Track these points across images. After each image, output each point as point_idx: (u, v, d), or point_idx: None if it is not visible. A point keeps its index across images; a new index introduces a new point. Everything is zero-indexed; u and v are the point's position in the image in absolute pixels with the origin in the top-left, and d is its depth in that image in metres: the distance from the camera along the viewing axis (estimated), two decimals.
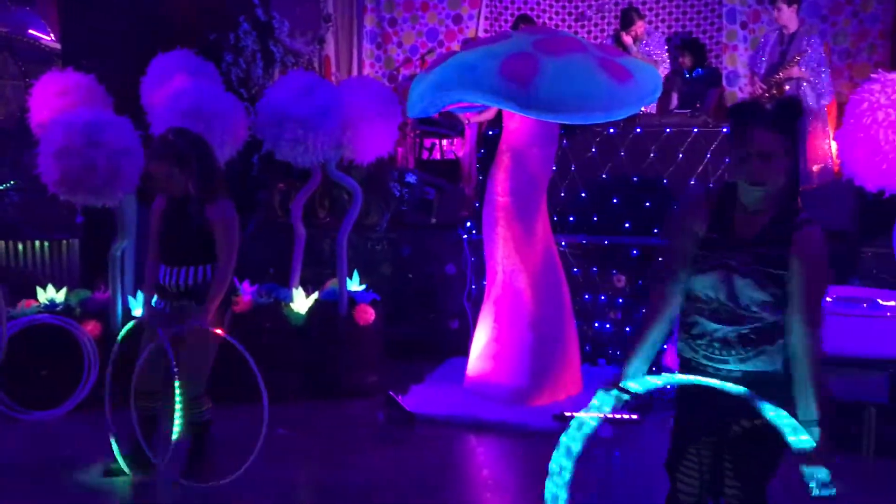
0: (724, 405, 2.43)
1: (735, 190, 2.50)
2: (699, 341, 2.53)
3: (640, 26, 7.56)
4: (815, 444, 2.28)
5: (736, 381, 2.43)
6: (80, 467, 4.21)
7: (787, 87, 6.32)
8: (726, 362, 2.50)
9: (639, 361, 2.57)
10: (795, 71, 6.31)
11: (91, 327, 5.02)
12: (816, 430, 2.34)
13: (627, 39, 7.48)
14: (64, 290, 5.26)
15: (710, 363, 2.52)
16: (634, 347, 2.57)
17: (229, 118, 4.92)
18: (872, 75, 4.16)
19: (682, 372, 2.63)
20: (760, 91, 6.42)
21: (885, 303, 3.89)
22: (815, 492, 2.28)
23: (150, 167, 3.80)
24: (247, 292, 5.38)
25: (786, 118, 2.44)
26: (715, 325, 2.49)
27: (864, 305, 3.87)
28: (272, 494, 3.96)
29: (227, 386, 4.17)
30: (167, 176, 3.68)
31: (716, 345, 2.50)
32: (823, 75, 6.37)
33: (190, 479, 3.91)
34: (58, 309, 5.11)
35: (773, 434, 2.32)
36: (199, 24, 6.95)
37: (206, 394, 3.95)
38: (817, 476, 2.28)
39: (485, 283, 5.45)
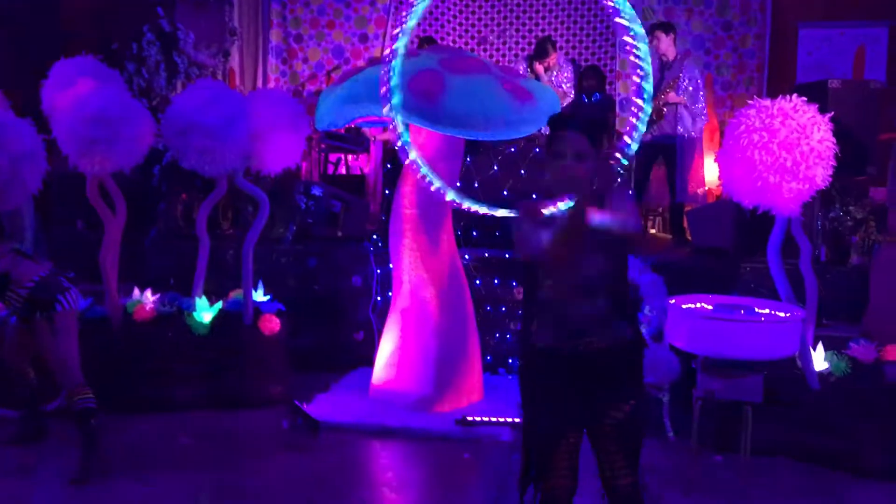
0: (589, 398, 2.64)
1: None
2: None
3: (553, 57, 7.90)
4: None
5: (596, 352, 2.65)
6: None
7: (666, 111, 6.79)
8: (572, 344, 2.67)
9: None
10: (672, 96, 6.77)
11: None
12: None
13: (539, 69, 7.82)
14: None
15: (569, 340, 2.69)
16: None
17: (136, 125, 4.88)
18: (749, 101, 4.53)
19: (542, 359, 2.75)
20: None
21: (760, 310, 4.22)
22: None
23: None
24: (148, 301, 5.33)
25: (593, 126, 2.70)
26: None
27: (742, 312, 4.19)
28: (175, 501, 3.94)
29: (122, 396, 4.17)
30: None
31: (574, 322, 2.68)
32: (699, 100, 6.86)
33: (78, 482, 3.94)
34: None
35: (640, 416, 2.62)
36: (100, 33, 6.86)
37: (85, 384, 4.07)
38: None
39: (390, 294, 5.57)
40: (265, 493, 4.09)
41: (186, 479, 4.18)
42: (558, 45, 9.23)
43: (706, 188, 7.42)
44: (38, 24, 6.59)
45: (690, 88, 6.85)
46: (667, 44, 6.96)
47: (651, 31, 7.25)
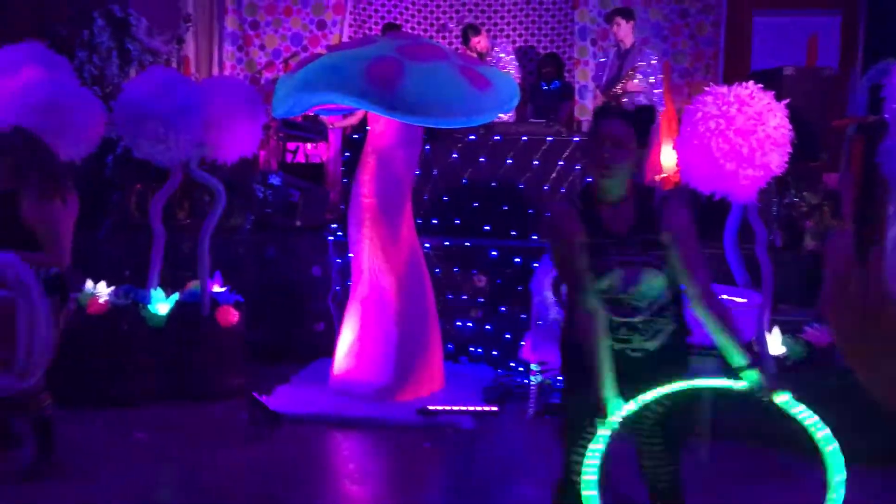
0: (631, 386, 2.61)
1: (594, 189, 2.72)
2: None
3: (477, 42, 7.82)
4: (758, 379, 2.56)
5: (641, 357, 2.70)
6: None
7: (625, 100, 6.82)
8: (629, 342, 2.72)
9: (609, 382, 2.60)
10: (631, 84, 6.80)
11: None
12: (751, 371, 2.58)
13: (471, 55, 7.77)
14: None
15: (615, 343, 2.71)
16: (601, 373, 2.59)
17: (86, 113, 4.76)
18: (706, 88, 4.57)
19: (572, 359, 2.79)
20: (601, 103, 6.88)
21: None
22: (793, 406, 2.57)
23: None
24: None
25: (638, 119, 2.75)
26: (616, 317, 2.69)
27: None
28: (131, 496, 3.87)
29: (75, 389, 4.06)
30: None
31: (622, 329, 2.71)
32: (657, 87, 6.90)
33: (31, 477, 3.86)
34: None
35: (682, 410, 2.66)
36: (48, 19, 6.68)
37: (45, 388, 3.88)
38: (780, 397, 2.56)
39: (350, 284, 5.53)
40: (224, 486, 4.04)
41: (141, 475, 4.10)
42: (517, 31, 9.22)
43: (664, 175, 7.48)
44: None
45: (650, 78, 6.89)
46: (626, 30, 6.99)
47: (611, 17, 7.29)
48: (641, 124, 2.77)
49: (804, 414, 2.57)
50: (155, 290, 5.32)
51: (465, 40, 7.88)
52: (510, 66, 7.94)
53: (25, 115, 4.49)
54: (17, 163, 3.67)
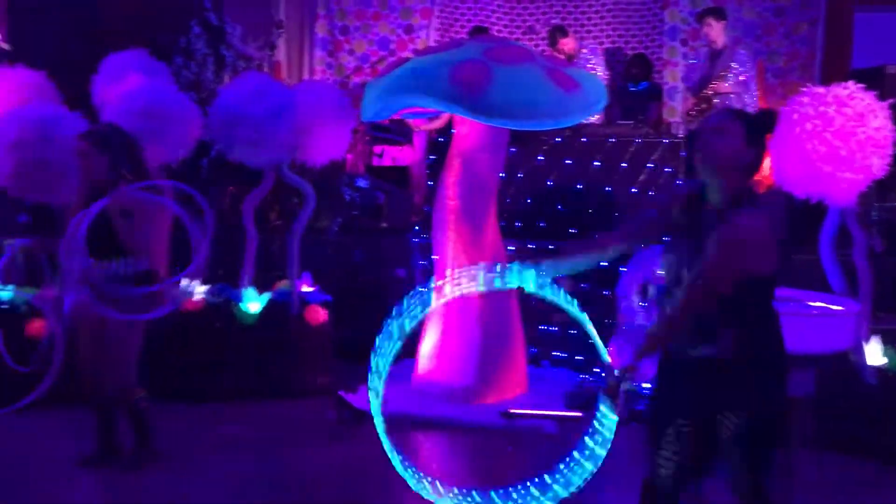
0: (703, 393, 2.60)
1: (704, 189, 2.68)
2: None
3: (566, 44, 7.76)
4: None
5: (696, 367, 2.61)
6: (45, 460, 4.26)
7: (716, 102, 6.64)
8: (685, 350, 2.66)
9: (557, 260, 2.79)
10: (723, 86, 6.61)
11: (37, 326, 4.98)
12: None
13: (558, 57, 7.71)
14: (11, 288, 5.20)
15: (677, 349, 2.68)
16: (567, 250, 2.81)
17: (184, 118, 4.96)
18: (802, 89, 4.41)
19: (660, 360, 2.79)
20: (691, 105, 6.71)
21: (812, 303, 4.12)
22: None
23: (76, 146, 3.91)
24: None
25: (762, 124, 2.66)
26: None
27: (796, 305, 4.09)
28: (222, 487, 4.00)
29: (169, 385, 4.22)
30: (85, 153, 3.82)
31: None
32: (751, 89, 6.68)
33: (131, 468, 4.02)
34: (3, 307, 5.07)
35: (761, 427, 2.57)
36: (148, 27, 6.96)
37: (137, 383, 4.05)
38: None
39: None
40: (310, 482, 4.14)
41: (231, 468, 4.24)
42: (605, 33, 9.11)
43: (756, 178, 7.25)
44: (89, 17, 6.71)
45: (742, 78, 6.68)
46: (718, 31, 6.80)
47: (702, 17, 7.10)
48: (761, 127, 2.64)
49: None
50: (247, 288, 5.49)
51: (553, 42, 7.83)
52: (598, 68, 7.86)
53: (128, 118, 4.70)
54: (113, 156, 3.86)
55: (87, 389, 4.09)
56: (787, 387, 2.72)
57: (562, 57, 7.54)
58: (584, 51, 8.02)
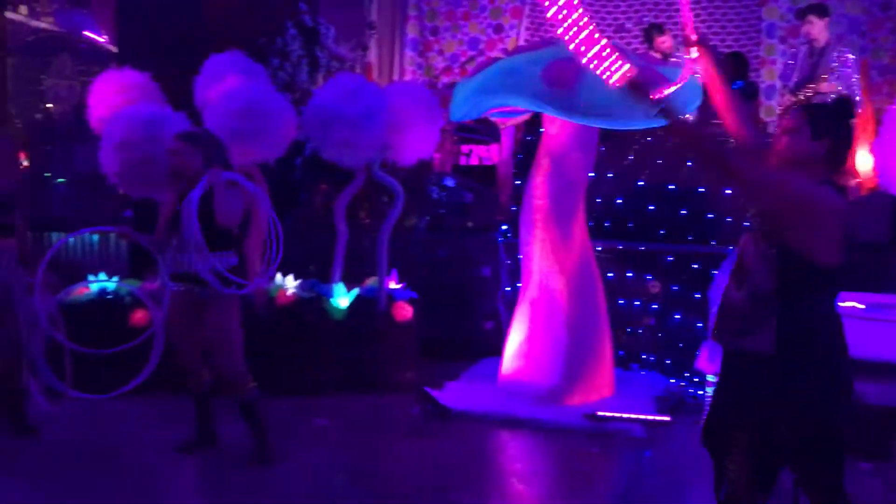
0: (749, 392, 2.51)
1: None
2: None
3: (663, 41, 7.61)
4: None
5: (741, 363, 2.54)
6: (144, 445, 4.46)
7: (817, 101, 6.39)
8: (731, 341, 2.59)
9: None
10: (825, 86, 6.36)
11: (140, 316, 5.22)
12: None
13: (653, 55, 7.56)
14: (115, 279, 5.47)
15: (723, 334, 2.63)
16: None
17: (281, 118, 5.10)
18: None
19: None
20: (789, 104, 6.48)
21: None
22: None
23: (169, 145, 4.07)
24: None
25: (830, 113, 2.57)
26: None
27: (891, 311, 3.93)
28: (309, 478, 4.11)
29: (263, 377, 4.32)
30: (179, 151, 3.97)
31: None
32: (854, 88, 6.41)
33: (257, 463, 4.12)
34: (108, 297, 5.33)
35: (822, 436, 2.44)
36: (247, 29, 7.17)
37: (245, 373, 4.15)
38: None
39: (519, 285, 5.57)
40: (396, 476, 4.20)
41: (321, 459, 4.35)
42: (699, 31, 8.90)
43: (859, 179, 6.96)
44: (190, 20, 6.97)
45: (845, 78, 6.42)
46: (820, 28, 6.55)
47: (803, 14, 6.86)
48: (829, 117, 2.53)
49: None
50: (337, 284, 5.61)
51: (649, 40, 7.67)
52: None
53: (228, 118, 4.88)
54: (206, 152, 4.02)
55: (187, 378, 4.25)
56: (845, 394, 2.54)
57: (657, 56, 7.41)
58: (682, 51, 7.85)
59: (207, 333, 4.09)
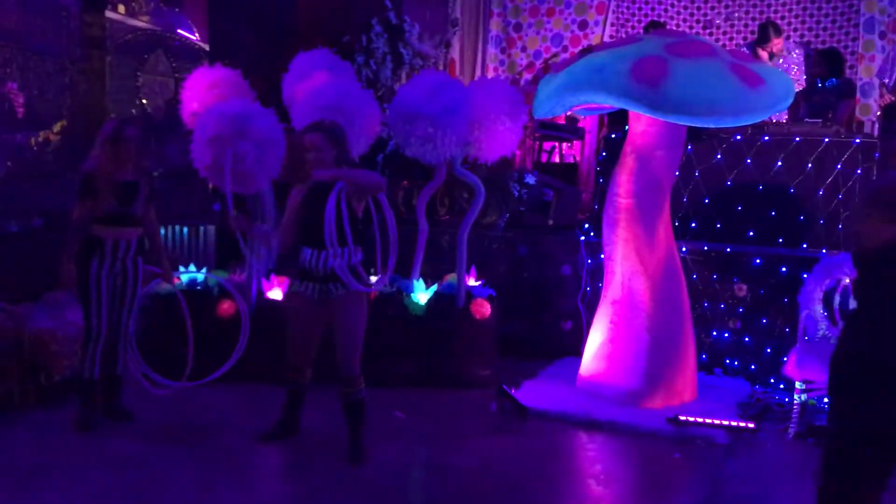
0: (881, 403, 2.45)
1: None
2: None
3: (776, 43, 7.37)
4: None
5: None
6: (229, 432, 4.57)
7: None
8: None
9: None
10: None
11: (227, 307, 5.37)
12: None
13: (763, 54, 7.34)
14: (203, 271, 5.64)
15: None
16: None
17: (367, 115, 5.16)
18: None
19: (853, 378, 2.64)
20: (888, 102, 6.20)
21: None
22: None
23: (303, 139, 4.08)
24: None
25: None
26: None
27: None
28: (388, 472, 4.15)
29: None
30: (318, 146, 3.98)
31: None
32: None
33: (354, 462, 4.17)
34: (197, 288, 5.50)
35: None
36: (332, 26, 7.28)
37: (360, 373, 4.20)
38: None
39: (600, 285, 5.49)
40: (472, 472, 4.20)
41: (400, 452, 4.40)
42: (792, 26, 8.63)
43: None
44: (279, 18, 7.12)
45: None
46: None
47: None
48: None
49: None
50: (417, 280, 5.65)
51: (764, 38, 7.42)
52: (794, 66, 7.45)
53: (316, 115, 4.95)
54: (340, 150, 4.07)
55: (288, 373, 4.33)
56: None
57: (765, 53, 7.21)
58: (793, 52, 7.62)
59: (341, 331, 4.11)
